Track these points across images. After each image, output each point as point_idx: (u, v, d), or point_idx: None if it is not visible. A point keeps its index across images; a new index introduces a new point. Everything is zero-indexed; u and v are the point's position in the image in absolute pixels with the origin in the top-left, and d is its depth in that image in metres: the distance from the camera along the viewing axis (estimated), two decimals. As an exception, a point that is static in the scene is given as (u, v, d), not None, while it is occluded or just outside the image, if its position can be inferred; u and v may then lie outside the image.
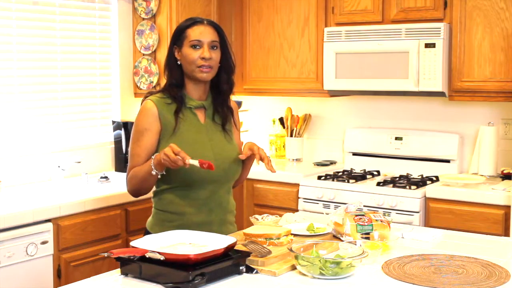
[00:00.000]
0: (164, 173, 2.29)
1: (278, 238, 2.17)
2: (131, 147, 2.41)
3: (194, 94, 2.43)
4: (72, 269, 3.23)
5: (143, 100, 2.43)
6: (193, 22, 2.41)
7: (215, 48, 2.40)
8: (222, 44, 2.44)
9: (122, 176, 3.95)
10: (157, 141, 2.37)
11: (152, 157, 2.28)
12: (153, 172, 2.26)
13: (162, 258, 1.85)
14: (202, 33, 2.38)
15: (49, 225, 3.12)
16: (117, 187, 3.62)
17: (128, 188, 2.43)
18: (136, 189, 2.40)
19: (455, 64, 3.68)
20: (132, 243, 1.96)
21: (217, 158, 2.38)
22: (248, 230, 2.24)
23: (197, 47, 2.37)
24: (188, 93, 2.43)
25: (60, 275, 3.17)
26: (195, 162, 2.18)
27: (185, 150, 2.26)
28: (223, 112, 2.48)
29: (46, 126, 3.84)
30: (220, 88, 2.47)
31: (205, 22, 2.42)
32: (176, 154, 2.17)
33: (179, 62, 2.42)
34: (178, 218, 2.37)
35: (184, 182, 2.35)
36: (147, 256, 1.88)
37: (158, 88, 4.09)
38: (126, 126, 4.11)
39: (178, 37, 2.42)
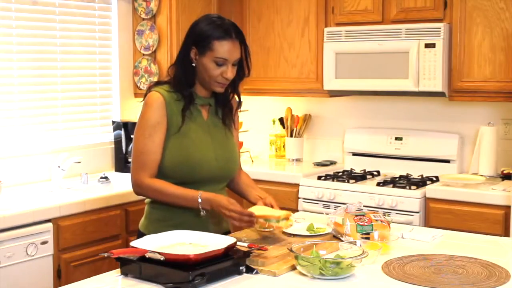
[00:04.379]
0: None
1: (278, 221, 2.16)
2: (141, 142, 2.28)
3: (202, 92, 2.38)
4: (72, 269, 3.23)
5: (148, 91, 2.34)
6: (222, 34, 2.27)
7: (235, 65, 2.33)
8: (244, 54, 2.35)
9: (122, 176, 3.95)
10: (166, 134, 2.29)
11: (199, 195, 2.22)
12: (202, 214, 2.24)
13: (162, 258, 1.85)
14: (230, 51, 2.27)
15: (49, 225, 3.12)
16: (117, 187, 3.62)
17: (141, 192, 2.33)
18: (153, 200, 2.35)
19: (455, 64, 3.68)
20: (132, 243, 1.96)
21: (218, 159, 2.37)
22: (251, 209, 2.23)
23: (221, 64, 2.28)
24: (196, 91, 2.37)
25: (60, 275, 3.17)
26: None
27: (188, 149, 2.27)
28: (225, 108, 2.45)
29: (46, 126, 3.84)
30: (237, 92, 2.45)
31: (233, 35, 2.28)
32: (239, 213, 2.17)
33: (194, 64, 2.31)
34: (174, 217, 2.32)
35: (185, 179, 2.31)
36: (147, 256, 1.88)
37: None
38: (126, 126, 4.11)
39: (201, 42, 2.28)
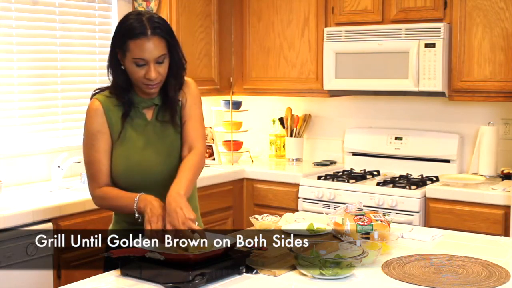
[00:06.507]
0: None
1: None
2: (87, 154, 2.21)
3: (144, 94, 2.22)
4: (72, 269, 3.23)
5: (91, 97, 2.24)
6: (136, 33, 2.08)
7: (161, 62, 2.13)
8: (171, 48, 2.15)
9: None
10: (111, 141, 2.20)
11: (136, 199, 2.07)
12: (138, 217, 2.06)
13: (162, 258, 1.85)
14: (146, 51, 2.08)
15: (49, 225, 3.12)
16: (117, 187, 3.62)
17: (96, 204, 2.27)
18: (106, 209, 2.30)
19: (455, 64, 3.68)
20: (132, 243, 1.95)
21: (166, 162, 2.23)
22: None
23: (142, 65, 2.10)
24: (137, 93, 2.22)
25: (60, 275, 3.17)
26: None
27: (129, 155, 2.19)
28: (171, 105, 2.24)
29: (46, 126, 3.84)
30: (168, 89, 2.23)
31: (149, 33, 2.07)
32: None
33: (123, 67, 2.16)
34: (131, 222, 2.16)
35: (134, 186, 2.18)
36: (147, 256, 1.88)
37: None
38: (126, 126, 4.10)
39: (120, 44, 2.12)
